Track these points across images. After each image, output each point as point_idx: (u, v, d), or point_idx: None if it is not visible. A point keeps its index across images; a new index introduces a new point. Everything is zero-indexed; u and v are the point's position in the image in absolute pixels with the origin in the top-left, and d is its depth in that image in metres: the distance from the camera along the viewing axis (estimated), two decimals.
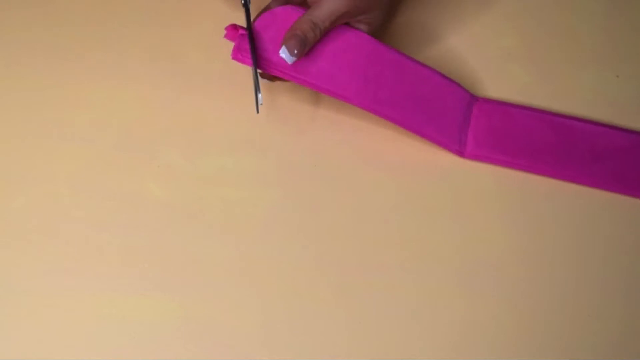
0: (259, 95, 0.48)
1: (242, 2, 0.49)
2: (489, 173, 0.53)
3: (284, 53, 0.48)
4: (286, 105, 0.54)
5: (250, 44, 0.48)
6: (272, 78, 0.51)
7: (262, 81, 0.51)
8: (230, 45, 0.50)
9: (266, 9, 0.51)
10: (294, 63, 0.49)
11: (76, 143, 0.53)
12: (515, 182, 0.52)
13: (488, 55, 0.56)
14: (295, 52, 0.47)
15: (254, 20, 0.50)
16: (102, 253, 0.50)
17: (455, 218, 0.52)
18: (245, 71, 0.55)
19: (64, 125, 0.54)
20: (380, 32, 0.55)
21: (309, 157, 0.53)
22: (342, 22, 0.49)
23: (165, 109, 0.54)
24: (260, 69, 0.49)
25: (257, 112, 0.49)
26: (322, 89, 0.50)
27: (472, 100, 0.53)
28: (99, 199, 0.52)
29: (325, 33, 0.49)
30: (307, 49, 0.48)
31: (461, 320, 0.49)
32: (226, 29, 0.49)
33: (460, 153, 0.52)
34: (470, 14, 0.58)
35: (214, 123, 0.54)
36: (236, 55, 0.49)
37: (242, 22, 0.51)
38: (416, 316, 0.49)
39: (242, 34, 0.49)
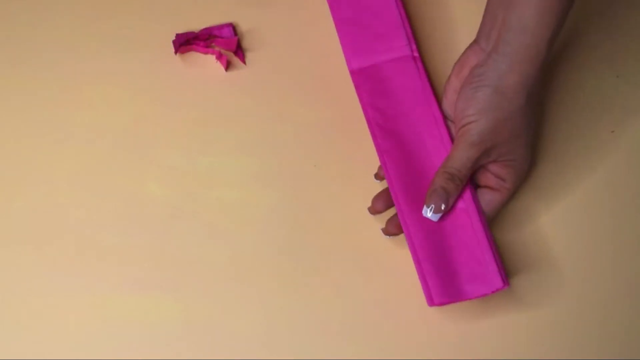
0: None
1: None
2: None
3: (429, 213, 0.46)
4: (286, 105, 0.54)
5: None
6: None
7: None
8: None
9: None
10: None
11: (76, 143, 0.53)
12: None
13: None
14: (442, 207, 0.46)
15: None
16: (102, 253, 0.50)
17: None
18: (245, 71, 0.55)
19: (64, 125, 0.54)
20: None
21: (309, 157, 0.53)
22: (479, 165, 0.47)
23: (165, 108, 0.54)
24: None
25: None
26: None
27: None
28: (99, 199, 0.52)
29: (466, 179, 0.47)
30: (451, 200, 0.47)
31: (461, 320, 0.49)
32: None
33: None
34: (470, 14, 0.58)
35: (215, 123, 0.54)
36: None
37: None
38: (417, 316, 0.49)
39: None
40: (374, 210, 0.50)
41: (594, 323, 0.49)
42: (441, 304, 0.46)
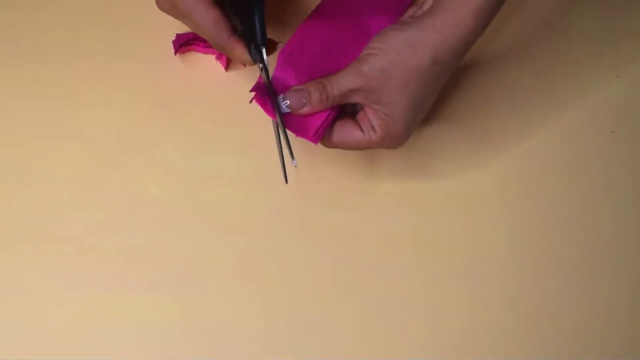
0: (293, 161, 0.46)
1: (260, 65, 0.46)
2: (486, 173, 0.53)
3: (283, 106, 0.46)
4: None
5: (275, 107, 0.46)
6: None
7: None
8: None
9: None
10: None
11: (76, 143, 0.53)
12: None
13: (488, 55, 0.56)
14: (289, 103, 0.46)
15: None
16: (102, 253, 0.50)
17: (458, 217, 0.52)
18: (245, 71, 0.55)
19: (64, 126, 0.54)
20: None
21: (309, 157, 0.53)
22: (354, 99, 0.46)
23: (165, 109, 0.54)
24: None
25: (286, 182, 0.47)
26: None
27: None
28: (99, 199, 0.52)
29: (334, 102, 0.46)
30: (307, 107, 0.46)
31: (461, 320, 0.49)
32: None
33: None
34: None
35: (215, 123, 0.54)
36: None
37: None
38: (417, 316, 0.49)
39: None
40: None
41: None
42: (259, 102, 0.45)
